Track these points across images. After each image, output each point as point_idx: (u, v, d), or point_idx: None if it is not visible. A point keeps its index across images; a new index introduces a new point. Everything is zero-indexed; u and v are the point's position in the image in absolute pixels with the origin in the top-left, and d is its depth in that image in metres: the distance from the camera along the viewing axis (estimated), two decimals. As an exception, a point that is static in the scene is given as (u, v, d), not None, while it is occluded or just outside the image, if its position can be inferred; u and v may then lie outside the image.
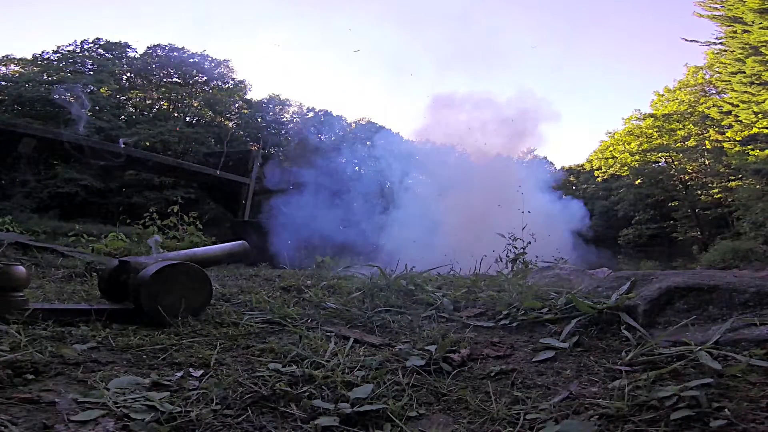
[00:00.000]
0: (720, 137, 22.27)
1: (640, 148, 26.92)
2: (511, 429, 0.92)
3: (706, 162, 24.54)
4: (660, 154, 26.54)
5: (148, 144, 31.29)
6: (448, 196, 14.12)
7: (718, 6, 17.85)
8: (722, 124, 20.80)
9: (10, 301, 1.47)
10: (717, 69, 19.90)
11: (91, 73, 34.04)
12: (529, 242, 4.71)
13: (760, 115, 16.63)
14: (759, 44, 15.94)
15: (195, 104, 38.22)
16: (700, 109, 24.21)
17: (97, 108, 31.92)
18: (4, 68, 33.20)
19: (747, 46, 16.71)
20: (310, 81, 64.35)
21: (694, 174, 25.48)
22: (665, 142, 25.82)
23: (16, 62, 33.32)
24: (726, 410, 0.87)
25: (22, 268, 1.52)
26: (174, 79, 38.08)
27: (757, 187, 16.89)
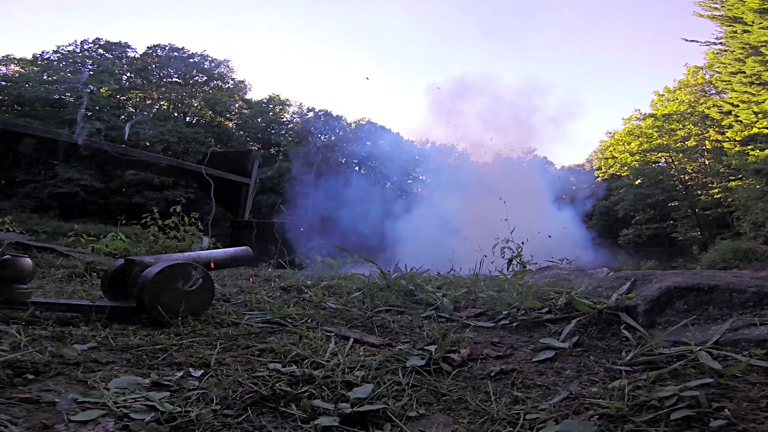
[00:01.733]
0: (720, 137, 22.27)
1: (640, 148, 26.94)
2: (511, 429, 0.92)
3: (706, 162, 24.55)
4: (660, 154, 26.55)
5: (148, 144, 31.33)
6: (469, 199, 14.04)
7: (718, 6, 17.85)
8: (722, 124, 20.81)
9: (13, 292, 1.49)
10: (717, 69, 19.90)
11: (91, 73, 34.06)
12: (523, 243, 4.66)
13: (760, 115, 16.64)
14: (759, 44, 15.95)
15: (195, 104, 38.25)
16: (700, 109, 24.23)
17: (97, 108, 31.94)
18: (4, 68, 33.23)
19: (747, 46, 16.72)
20: (310, 79, 64.35)
21: (694, 174, 25.49)
22: (665, 142, 25.83)
23: (16, 62, 33.35)
24: (726, 410, 0.87)
25: (28, 260, 1.54)
26: (174, 79, 38.11)
27: (757, 187, 16.89)
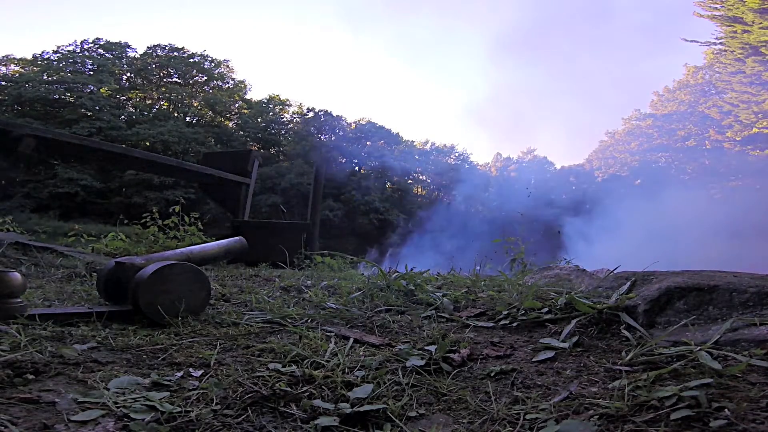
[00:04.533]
0: (720, 137, 22.28)
1: (640, 148, 26.98)
2: (511, 429, 0.92)
3: (706, 162, 24.57)
4: (660, 154, 26.58)
5: (148, 144, 31.34)
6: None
7: (718, 6, 17.86)
8: (722, 124, 20.82)
9: (8, 308, 1.46)
10: (717, 69, 19.93)
11: (91, 73, 34.07)
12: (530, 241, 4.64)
13: (760, 115, 16.65)
14: (759, 44, 15.96)
15: (195, 104, 38.25)
16: (700, 109, 24.25)
17: (97, 108, 31.94)
18: (4, 68, 33.27)
19: (747, 46, 16.74)
20: (310, 79, 64.32)
21: (694, 174, 25.52)
22: (665, 142, 25.86)
23: (16, 62, 33.38)
24: (726, 410, 0.87)
25: (17, 274, 1.51)
26: (174, 79, 38.12)
27: (757, 187, 16.90)
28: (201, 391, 1.04)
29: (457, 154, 40.83)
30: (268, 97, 40.61)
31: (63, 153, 6.23)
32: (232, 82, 40.31)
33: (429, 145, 41.58)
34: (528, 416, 0.95)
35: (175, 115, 37.08)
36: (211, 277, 2.81)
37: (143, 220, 4.93)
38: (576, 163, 37.75)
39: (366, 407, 0.97)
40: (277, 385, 1.07)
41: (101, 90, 33.34)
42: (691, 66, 25.59)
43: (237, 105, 40.04)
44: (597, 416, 0.92)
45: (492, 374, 1.22)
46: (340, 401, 1.01)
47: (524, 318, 1.71)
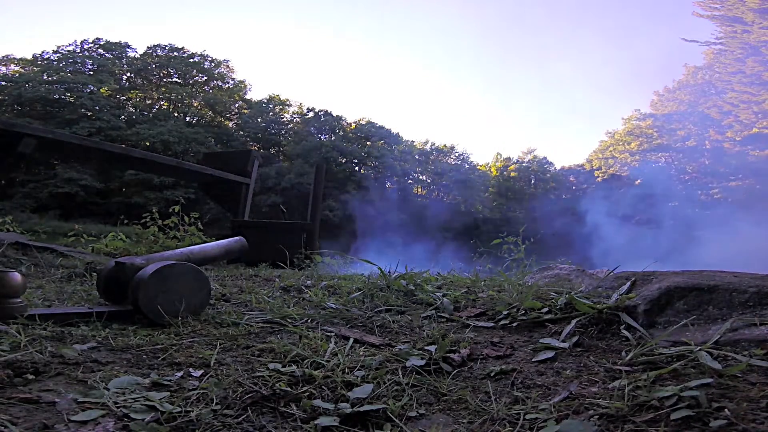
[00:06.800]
0: (720, 137, 22.29)
1: (640, 148, 27.00)
2: (511, 429, 0.92)
3: (706, 162, 24.58)
4: (660, 154, 26.61)
5: (148, 144, 31.36)
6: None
7: (717, 6, 17.88)
8: (722, 124, 20.84)
9: (8, 308, 1.47)
10: (717, 69, 19.95)
11: (91, 73, 34.09)
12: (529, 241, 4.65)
13: (760, 115, 16.66)
14: (759, 44, 15.98)
15: (195, 104, 38.26)
16: (700, 109, 24.26)
17: (97, 108, 31.96)
18: (4, 68, 33.31)
19: (747, 46, 16.75)
20: (310, 79, 64.36)
21: (694, 174, 25.53)
22: (665, 142, 25.89)
23: (16, 62, 33.41)
24: (726, 410, 0.87)
25: (17, 275, 1.51)
26: (174, 79, 38.14)
27: (757, 187, 16.91)
28: (201, 391, 1.04)
29: (457, 154, 40.88)
30: (268, 97, 40.65)
31: (63, 153, 6.24)
32: (232, 82, 40.36)
33: (429, 145, 41.62)
34: (528, 416, 0.95)
35: (175, 115, 37.11)
36: (211, 277, 2.81)
37: (143, 220, 4.94)
38: (577, 163, 37.81)
39: (366, 407, 0.97)
40: (277, 385, 1.07)
41: (101, 90, 33.36)
42: (691, 66, 25.63)
43: (237, 105, 40.08)
44: (597, 416, 0.92)
45: (492, 374, 1.22)
46: (340, 401, 1.01)
47: (524, 318, 1.71)
